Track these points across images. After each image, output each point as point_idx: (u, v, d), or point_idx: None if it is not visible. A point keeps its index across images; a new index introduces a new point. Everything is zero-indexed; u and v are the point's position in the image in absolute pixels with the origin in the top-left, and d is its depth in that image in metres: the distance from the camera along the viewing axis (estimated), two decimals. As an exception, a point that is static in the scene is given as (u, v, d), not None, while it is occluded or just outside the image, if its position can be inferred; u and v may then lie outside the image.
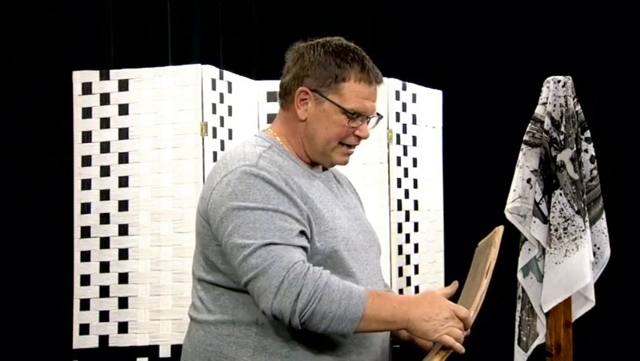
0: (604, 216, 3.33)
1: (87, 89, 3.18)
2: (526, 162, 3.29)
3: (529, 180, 3.28)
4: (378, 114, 1.98)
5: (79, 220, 3.16)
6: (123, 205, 3.14)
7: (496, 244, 1.99)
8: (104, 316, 3.13)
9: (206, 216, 1.86)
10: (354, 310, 1.72)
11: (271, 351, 1.81)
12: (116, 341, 3.12)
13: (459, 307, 1.79)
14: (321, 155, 1.95)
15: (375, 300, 1.75)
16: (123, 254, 3.13)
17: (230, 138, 3.20)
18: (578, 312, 3.30)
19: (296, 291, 1.70)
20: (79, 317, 3.14)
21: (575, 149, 3.20)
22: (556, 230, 3.18)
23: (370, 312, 1.74)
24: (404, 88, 3.56)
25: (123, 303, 3.13)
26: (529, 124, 3.31)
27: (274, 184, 1.80)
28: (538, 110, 3.29)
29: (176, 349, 3.04)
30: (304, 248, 1.79)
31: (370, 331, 1.79)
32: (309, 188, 1.89)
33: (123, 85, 3.16)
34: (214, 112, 3.13)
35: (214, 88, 3.14)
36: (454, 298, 2.09)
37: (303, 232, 1.80)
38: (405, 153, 3.55)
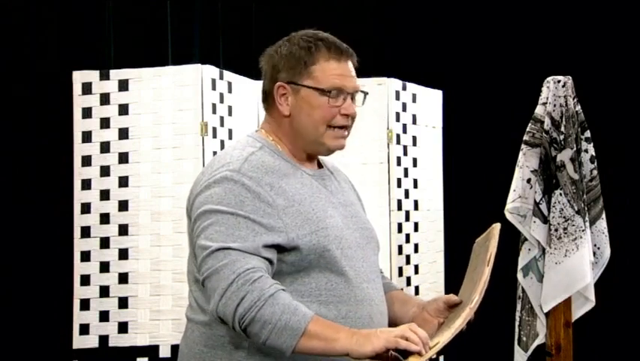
0: (604, 216, 3.33)
1: (87, 89, 3.17)
2: (526, 162, 3.29)
3: (529, 180, 3.29)
4: (362, 91, 1.97)
5: (79, 220, 3.16)
6: (123, 205, 3.14)
7: (495, 238, 1.99)
8: (104, 316, 3.13)
9: (190, 217, 1.89)
10: (295, 325, 1.70)
11: (265, 352, 1.81)
12: (116, 341, 3.12)
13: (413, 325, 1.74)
14: (315, 143, 1.94)
15: (319, 320, 1.73)
16: (123, 254, 3.13)
17: (230, 137, 3.20)
18: (578, 312, 3.30)
19: (241, 295, 1.70)
20: (79, 317, 3.14)
21: (575, 149, 3.20)
22: (556, 230, 3.18)
23: (313, 328, 1.70)
24: (404, 88, 3.56)
25: (123, 303, 3.12)
26: (529, 124, 3.31)
27: (252, 190, 1.80)
28: (538, 110, 3.30)
29: (176, 349, 3.03)
30: (267, 259, 1.78)
31: (311, 351, 1.72)
32: (299, 188, 1.88)
33: (123, 85, 3.16)
34: (214, 112, 3.13)
35: (214, 88, 3.14)
36: (455, 290, 2.09)
37: (271, 244, 1.78)
38: (405, 153, 3.55)
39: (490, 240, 1.99)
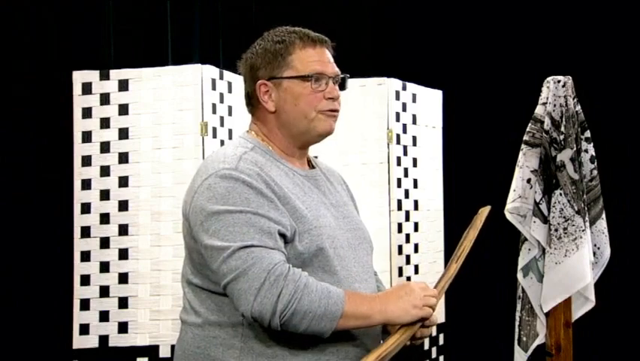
0: (604, 216, 3.33)
1: (87, 89, 3.18)
2: (526, 162, 3.29)
3: (529, 180, 3.28)
4: (343, 76, 1.98)
5: (79, 220, 3.17)
6: (123, 205, 3.14)
7: (476, 227, 2.01)
8: (104, 316, 3.13)
9: (188, 220, 1.87)
10: (333, 308, 1.75)
11: (258, 352, 1.82)
12: (116, 341, 3.12)
13: (427, 286, 1.87)
14: (306, 133, 1.94)
15: (352, 297, 1.79)
16: (123, 254, 3.13)
17: (230, 137, 3.20)
18: (578, 312, 3.30)
19: (277, 292, 1.71)
20: (79, 317, 3.14)
21: (575, 149, 3.20)
22: (556, 230, 3.18)
23: (349, 309, 1.77)
24: (404, 88, 3.56)
25: (123, 303, 3.13)
26: (529, 124, 3.31)
27: (254, 187, 1.80)
28: (538, 110, 3.30)
29: (176, 349, 3.04)
30: (282, 251, 1.79)
31: (348, 328, 1.81)
32: (292, 188, 1.89)
33: (123, 85, 3.16)
34: (214, 112, 3.14)
35: (214, 88, 3.15)
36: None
37: (282, 234, 1.80)
38: (405, 153, 3.55)
39: (470, 230, 2.01)
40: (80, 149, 3.18)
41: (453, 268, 1.94)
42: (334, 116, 1.95)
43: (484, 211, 2.07)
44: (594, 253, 3.28)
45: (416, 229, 3.62)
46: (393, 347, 1.81)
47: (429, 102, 3.72)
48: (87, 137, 3.17)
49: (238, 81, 3.28)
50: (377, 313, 1.80)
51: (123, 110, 3.16)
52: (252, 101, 1.98)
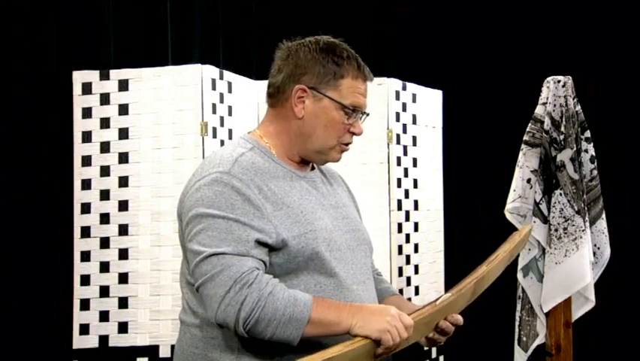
0: (604, 216, 3.33)
1: (87, 89, 3.18)
2: (526, 162, 3.29)
3: (529, 180, 3.29)
4: (367, 113, 1.99)
5: (79, 220, 3.16)
6: (123, 205, 3.14)
7: (513, 240, 2.01)
8: (104, 316, 3.13)
9: (181, 220, 1.91)
10: (299, 316, 1.73)
11: (255, 353, 1.82)
12: (116, 341, 3.12)
13: (404, 315, 1.79)
14: (317, 153, 1.95)
15: (320, 304, 1.77)
16: (123, 254, 3.13)
17: (230, 137, 3.20)
18: (578, 312, 3.30)
19: (240, 300, 1.72)
20: (79, 317, 3.14)
21: (575, 149, 3.20)
22: (556, 230, 3.18)
23: (316, 315, 1.75)
24: (404, 88, 3.56)
25: (123, 303, 3.13)
26: (529, 124, 3.31)
27: (242, 193, 1.80)
28: (538, 110, 3.30)
29: (176, 349, 3.04)
30: (260, 259, 1.79)
31: (317, 335, 1.77)
32: (289, 190, 1.88)
33: (123, 85, 3.16)
34: (214, 112, 3.14)
35: (214, 88, 3.14)
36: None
37: (262, 243, 1.79)
38: (405, 153, 3.55)
39: (506, 242, 2.01)
40: (79, 149, 3.18)
41: (481, 270, 1.94)
42: (346, 150, 1.98)
43: (523, 229, 2.07)
44: (594, 253, 3.28)
45: (416, 229, 3.62)
46: (340, 353, 1.72)
47: (429, 102, 3.72)
48: (87, 137, 3.17)
49: (238, 81, 3.28)
50: (344, 319, 1.75)
51: (123, 110, 3.16)
52: (279, 96, 1.94)
